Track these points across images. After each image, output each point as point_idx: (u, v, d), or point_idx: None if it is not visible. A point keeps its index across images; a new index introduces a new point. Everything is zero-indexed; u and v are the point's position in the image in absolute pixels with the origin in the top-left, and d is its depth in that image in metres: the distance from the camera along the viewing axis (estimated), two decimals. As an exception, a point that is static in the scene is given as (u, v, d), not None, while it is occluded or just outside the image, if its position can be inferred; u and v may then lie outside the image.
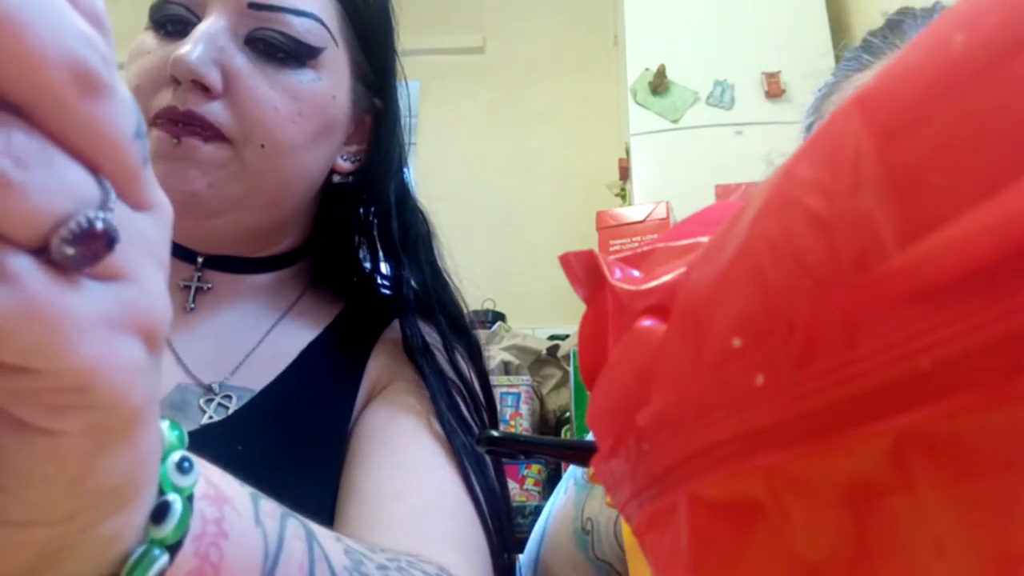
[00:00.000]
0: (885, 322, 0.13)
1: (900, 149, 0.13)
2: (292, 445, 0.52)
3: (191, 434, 0.48)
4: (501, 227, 2.53)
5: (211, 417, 0.51)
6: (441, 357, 0.59)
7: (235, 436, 0.50)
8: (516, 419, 1.63)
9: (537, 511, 1.34)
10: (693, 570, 0.18)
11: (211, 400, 0.52)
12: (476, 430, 0.56)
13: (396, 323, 0.61)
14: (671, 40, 2.10)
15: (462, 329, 0.63)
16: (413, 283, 0.61)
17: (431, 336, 0.60)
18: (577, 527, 0.56)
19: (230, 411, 0.52)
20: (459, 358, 0.59)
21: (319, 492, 0.51)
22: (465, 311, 0.64)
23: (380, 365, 0.58)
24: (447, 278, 0.64)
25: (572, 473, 0.60)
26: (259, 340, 0.57)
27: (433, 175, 2.61)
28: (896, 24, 0.58)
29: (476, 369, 0.62)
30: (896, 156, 0.13)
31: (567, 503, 0.58)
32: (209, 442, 0.48)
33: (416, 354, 0.57)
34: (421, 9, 2.69)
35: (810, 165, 0.15)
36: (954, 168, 0.12)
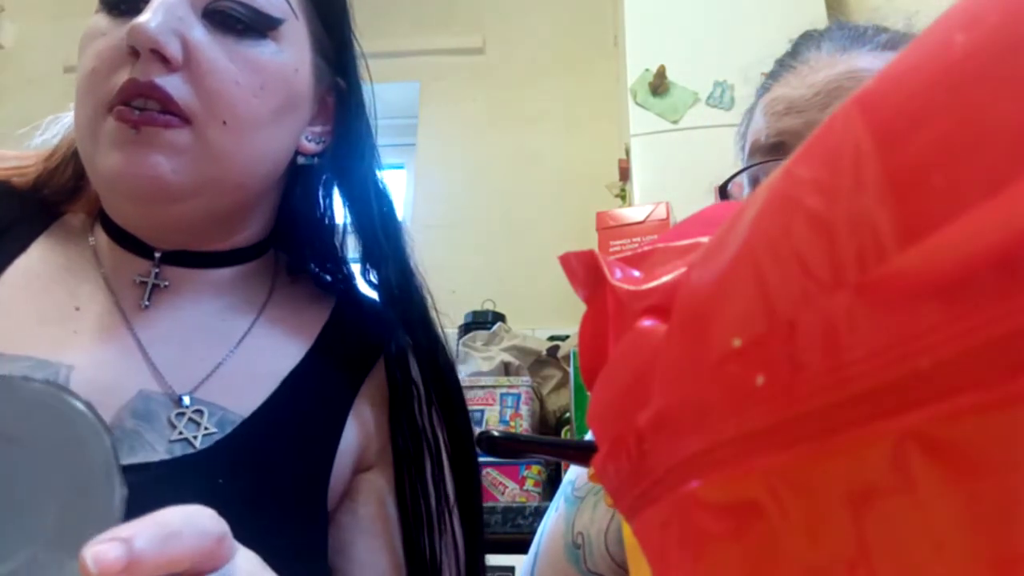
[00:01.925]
0: (885, 322, 0.13)
1: (900, 149, 0.13)
2: (276, 487, 0.50)
3: (167, 463, 0.47)
4: (501, 227, 2.52)
5: (180, 433, 0.48)
6: (423, 417, 0.58)
7: (217, 469, 0.48)
8: (516, 420, 1.63)
9: (537, 512, 1.33)
10: (693, 570, 0.18)
11: (182, 415, 0.49)
12: (447, 498, 0.57)
13: (381, 363, 0.59)
14: (671, 40, 2.10)
15: (429, 322, 0.62)
16: (391, 277, 0.60)
17: (416, 378, 0.59)
18: (568, 542, 0.56)
19: (201, 429, 0.49)
20: (435, 414, 0.59)
21: (310, 540, 0.51)
22: (430, 301, 0.63)
23: (365, 425, 0.57)
24: (415, 270, 0.63)
25: (563, 491, 0.61)
26: (230, 349, 0.54)
27: (433, 175, 2.61)
28: (795, 47, 0.62)
29: (445, 379, 0.61)
30: (896, 156, 0.13)
31: (558, 520, 0.59)
32: (188, 473, 0.47)
33: (402, 439, 0.57)
34: (421, 9, 2.69)
35: (810, 165, 0.15)
36: (954, 168, 0.12)
